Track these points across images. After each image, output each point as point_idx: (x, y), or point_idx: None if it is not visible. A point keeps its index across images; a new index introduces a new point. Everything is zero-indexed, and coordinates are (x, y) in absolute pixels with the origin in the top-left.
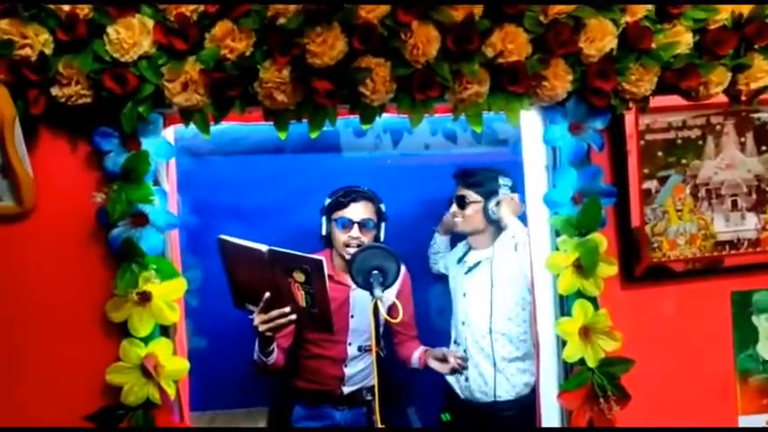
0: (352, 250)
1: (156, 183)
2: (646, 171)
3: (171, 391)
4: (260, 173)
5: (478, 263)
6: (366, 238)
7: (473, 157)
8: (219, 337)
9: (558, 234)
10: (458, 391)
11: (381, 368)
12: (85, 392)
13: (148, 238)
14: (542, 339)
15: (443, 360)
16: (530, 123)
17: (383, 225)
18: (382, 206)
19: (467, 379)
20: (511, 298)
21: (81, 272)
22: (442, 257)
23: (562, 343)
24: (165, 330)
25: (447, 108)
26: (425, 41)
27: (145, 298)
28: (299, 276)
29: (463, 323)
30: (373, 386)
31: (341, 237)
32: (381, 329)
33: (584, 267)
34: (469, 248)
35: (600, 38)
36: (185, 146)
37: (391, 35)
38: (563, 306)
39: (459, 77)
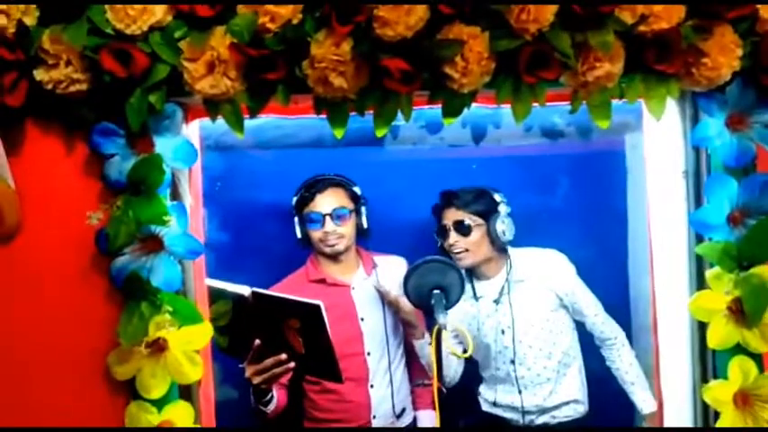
0: (332, 242)
1: (175, 196)
2: None
3: None
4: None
5: (503, 289)
6: (344, 229)
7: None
8: None
9: (699, 266)
10: (514, 421)
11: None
12: None
13: (163, 269)
14: (669, 401)
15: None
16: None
17: (363, 210)
18: (357, 189)
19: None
20: (554, 319)
21: (76, 312)
22: None
23: (701, 409)
24: (185, 388)
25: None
26: (538, 4)
27: (158, 349)
28: (295, 323)
29: (512, 362)
30: (409, 425)
31: (315, 234)
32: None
33: (746, 313)
34: (472, 279)
35: None
36: (213, 144)
37: None
38: (704, 361)
39: (585, 53)
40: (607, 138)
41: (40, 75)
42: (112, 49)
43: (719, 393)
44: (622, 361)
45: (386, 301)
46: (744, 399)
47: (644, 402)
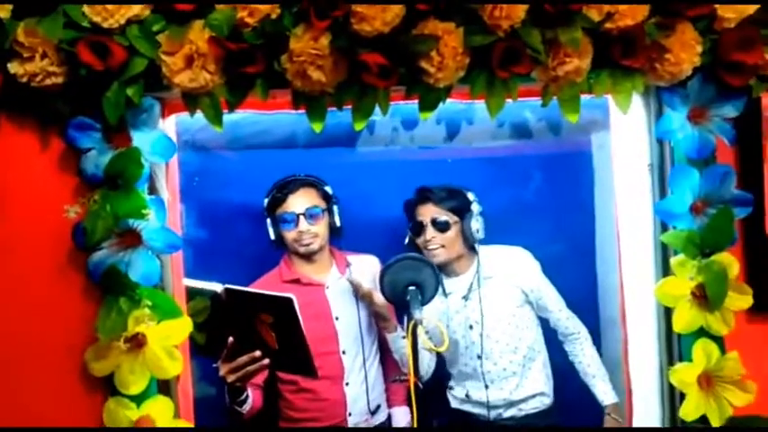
0: (307, 242)
1: (153, 190)
2: None
3: None
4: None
5: (471, 285)
6: (318, 228)
7: (502, 150)
8: None
9: (664, 255)
10: (482, 416)
11: (420, 400)
12: None
13: (142, 263)
14: (638, 388)
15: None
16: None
17: (335, 209)
18: (328, 189)
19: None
20: (520, 315)
21: (53, 308)
22: None
23: (667, 391)
24: (163, 384)
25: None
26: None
27: (137, 344)
28: (267, 317)
29: (479, 357)
30: (384, 423)
31: (289, 235)
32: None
33: (709, 298)
34: (441, 276)
35: None
36: (190, 140)
37: None
38: (670, 345)
39: (555, 48)
40: (575, 138)
41: (14, 68)
42: (89, 42)
43: (685, 375)
44: (585, 355)
45: (359, 294)
46: (707, 380)
47: (604, 395)
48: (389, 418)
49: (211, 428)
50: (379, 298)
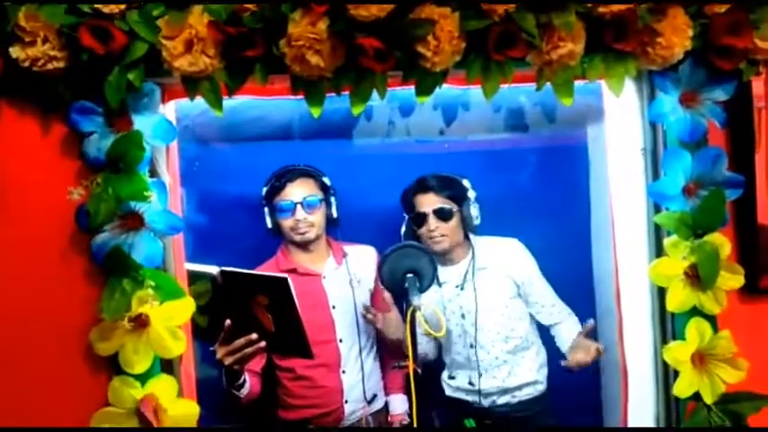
0: (303, 230)
1: (153, 173)
2: None
3: None
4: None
5: (466, 275)
6: (314, 217)
7: (500, 143)
8: None
9: (657, 236)
10: (476, 403)
11: (417, 387)
12: None
13: (144, 245)
14: (633, 366)
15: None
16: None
17: (333, 200)
18: (326, 180)
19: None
20: (512, 306)
21: (57, 290)
22: None
23: (661, 370)
24: (167, 364)
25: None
26: None
27: (140, 324)
28: (263, 299)
29: (472, 346)
30: (381, 410)
31: (286, 223)
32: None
33: (701, 277)
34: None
35: None
36: (190, 125)
37: None
38: (664, 324)
39: (549, 32)
40: (570, 132)
41: (16, 52)
42: (91, 27)
43: (678, 353)
44: (567, 337)
45: (374, 326)
46: (700, 358)
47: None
48: (386, 405)
49: (215, 429)
50: (390, 324)
